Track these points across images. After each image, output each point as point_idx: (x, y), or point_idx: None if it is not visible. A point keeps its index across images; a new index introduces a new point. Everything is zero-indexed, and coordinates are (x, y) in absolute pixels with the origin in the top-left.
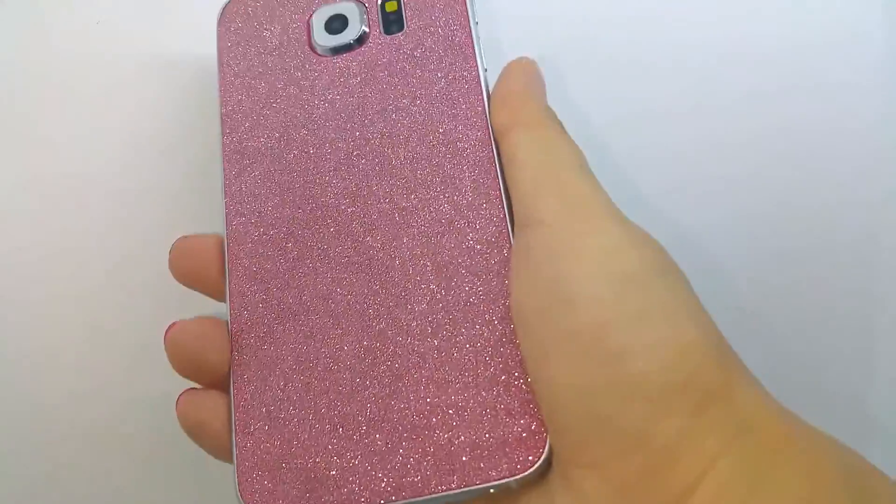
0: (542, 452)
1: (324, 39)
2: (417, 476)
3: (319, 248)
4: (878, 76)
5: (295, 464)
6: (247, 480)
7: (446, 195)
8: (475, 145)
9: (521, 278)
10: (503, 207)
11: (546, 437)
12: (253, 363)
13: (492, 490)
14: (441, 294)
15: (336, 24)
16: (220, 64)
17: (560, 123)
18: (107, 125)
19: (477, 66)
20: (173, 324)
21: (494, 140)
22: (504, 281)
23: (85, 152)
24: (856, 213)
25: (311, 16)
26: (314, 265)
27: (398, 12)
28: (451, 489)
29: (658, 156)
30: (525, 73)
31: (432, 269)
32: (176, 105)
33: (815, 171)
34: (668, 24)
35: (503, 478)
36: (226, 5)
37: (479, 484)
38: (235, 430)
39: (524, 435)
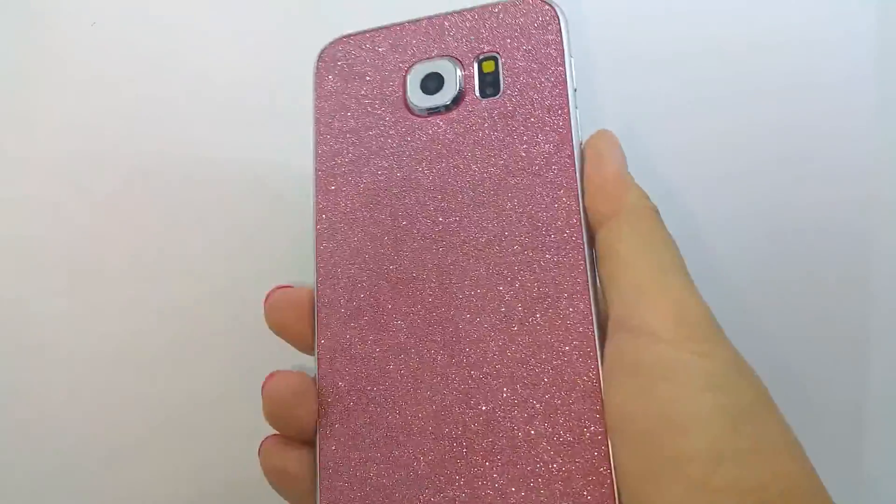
0: None
1: (419, 99)
2: None
3: (404, 321)
4: (873, 75)
5: None
6: None
7: (533, 281)
8: (567, 231)
9: (626, 390)
10: (590, 302)
11: None
12: (339, 427)
13: None
14: (524, 391)
15: (431, 83)
16: (316, 112)
17: (656, 210)
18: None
19: (572, 141)
20: (272, 375)
21: (585, 223)
22: (593, 382)
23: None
24: (852, 212)
25: (407, 72)
26: (398, 337)
27: (495, 73)
28: None
29: (656, 155)
30: (614, 152)
31: (515, 361)
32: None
33: (811, 170)
34: (666, 23)
35: None
36: (325, 48)
37: None
38: (320, 487)
39: None
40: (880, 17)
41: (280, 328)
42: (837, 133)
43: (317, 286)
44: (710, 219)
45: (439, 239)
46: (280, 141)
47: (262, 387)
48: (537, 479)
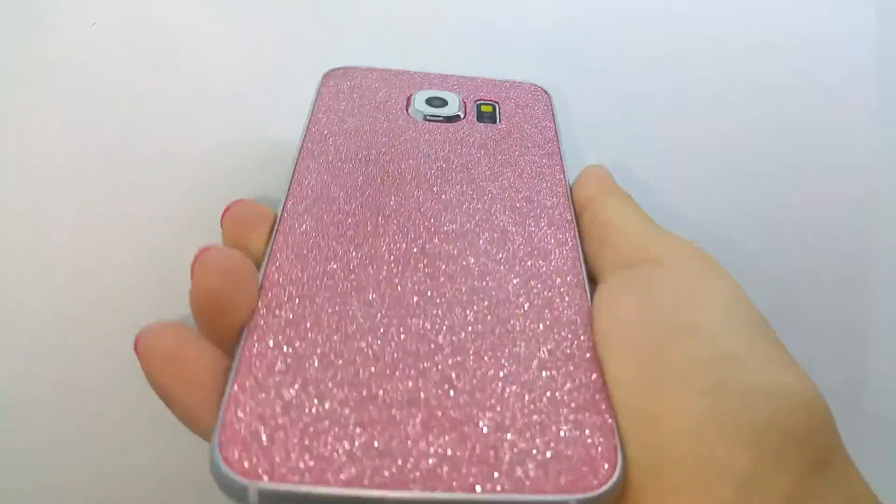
0: (613, 475)
1: (422, 107)
2: (453, 470)
3: (380, 243)
4: (872, 74)
5: (308, 423)
6: (234, 425)
7: (522, 240)
8: (555, 203)
9: (627, 306)
10: (578, 252)
11: (619, 462)
12: (279, 314)
13: None
14: (511, 290)
15: (436, 101)
16: (314, 105)
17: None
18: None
19: (561, 162)
20: (206, 248)
21: (573, 204)
22: (583, 300)
23: (80, 153)
24: (851, 211)
25: (413, 94)
26: (373, 257)
27: (493, 113)
28: (494, 492)
29: (655, 154)
30: (604, 169)
31: (502, 265)
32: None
33: (811, 169)
34: (665, 22)
35: (558, 492)
36: (332, 69)
37: (528, 493)
38: (238, 368)
39: (594, 455)
40: (879, 17)
41: (238, 237)
42: (836, 132)
43: (285, 201)
44: (708, 218)
45: (428, 209)
46: (283, 141)
47: (196, 259)
48: (522, 390)
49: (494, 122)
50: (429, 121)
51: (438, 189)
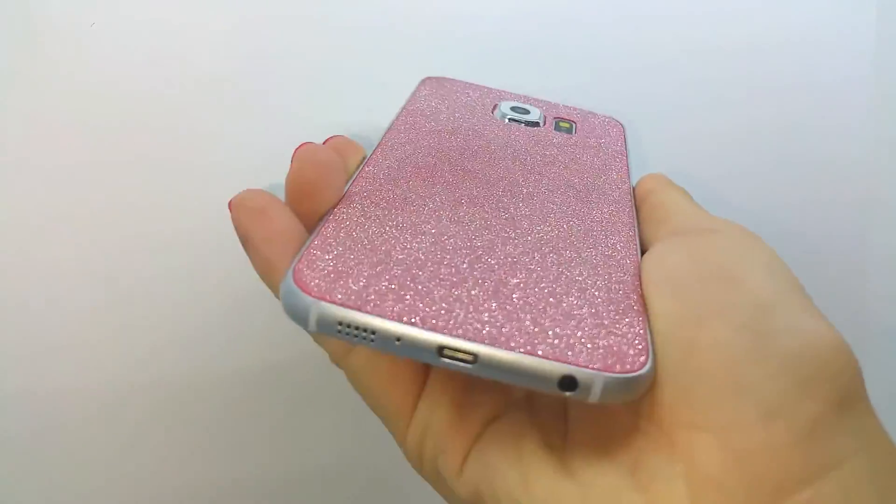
0: (644, 366)
1: (506, 111)
2: (498, 331)
3: (458, 191)
4: (872, 74)
5: (377, 268)
6: (314, 253)
7: (584, 205)
8: (619, 191)
9: (676, 255)
10: (634, 225)
11: (648, 357)
12: (367, 199)
13: (565, 385)
14: (570, 238)
15: (520, 109)
16: (408, 101)
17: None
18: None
19: (627, 163)
20: (305, 143)
21: (634, 196)
22: (634, 255)
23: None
24: (850, 211)
25: (498, 102)
26: (451, 196)
27: (570, 129)
28: (513, 349)
29: (655, 153)
30: (664, 175)
31: (561, 229)
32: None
33: (810, 168)
34: (664, 23)
35: (588, 367)
36: (426, 77)
37: (548, 357)
38: (326, 220)
39: (626, 347)
40: (879, 17)
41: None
42: (836, 132)
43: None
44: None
45: (505, 182)
46: (287, 140)
47: (296, 150)
48: (572, 284)
49: (571, 133)
50: (511, 122)
51: (514, 170)
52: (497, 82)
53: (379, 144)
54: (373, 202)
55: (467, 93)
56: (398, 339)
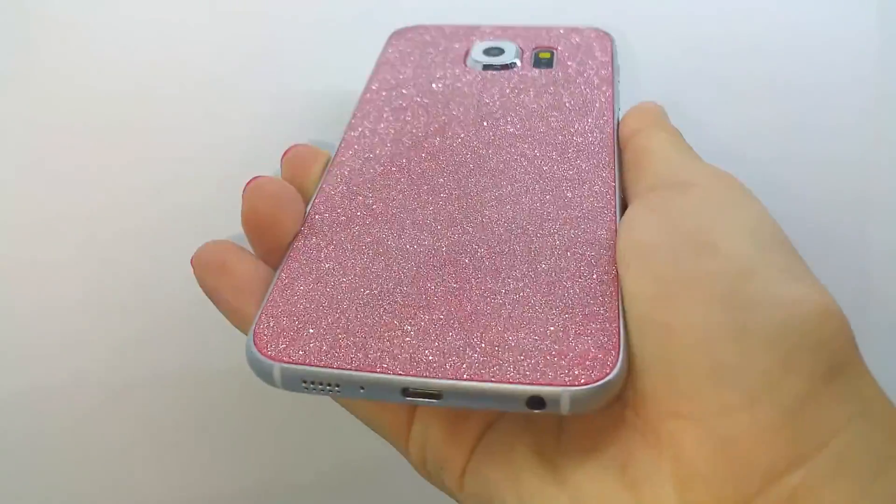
0: (612, 369)
1: (479, 57)
2: (458, 361)
3: (424, 179)
4: (872, 74)
5: (330, 319)
6: (269, 317)
7: (560, 162)
8: (599, 138)
9: (649, 225)
10: (614, 176)
11: (618, 359)
12: (321, 232)
13: (534, 404)
14: (541, 212)
15: (493, 51)
16: (378, 61)
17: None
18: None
19: (613, 95)
20: (257, 177)
21: (618, 141)
22: (611, 222)
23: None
24: (850, 210)
25: (472, 44)
26: (416, 190)
27: (550, 59)
28: (475, 380)
29: None
30: (655, 106)
31: (536, 192)
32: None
33: (808, 168)
34: (664, 23)
35: (548, 384)
36: (398, 29)
37: (510, 382)
38: (278, 279)
39: (594, 353)
40: (880, 15)
41: (295, 177)
42: (836, 131)
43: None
44: None
45: (472, 148)
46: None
47: (246, 186)
48: (534, 290)
49: (550, 67)
50: (485, 70)
51: (484, 130)
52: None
53: (339, 145)
54: (326, 237)
55: (438, 42)
56: (362, 388)
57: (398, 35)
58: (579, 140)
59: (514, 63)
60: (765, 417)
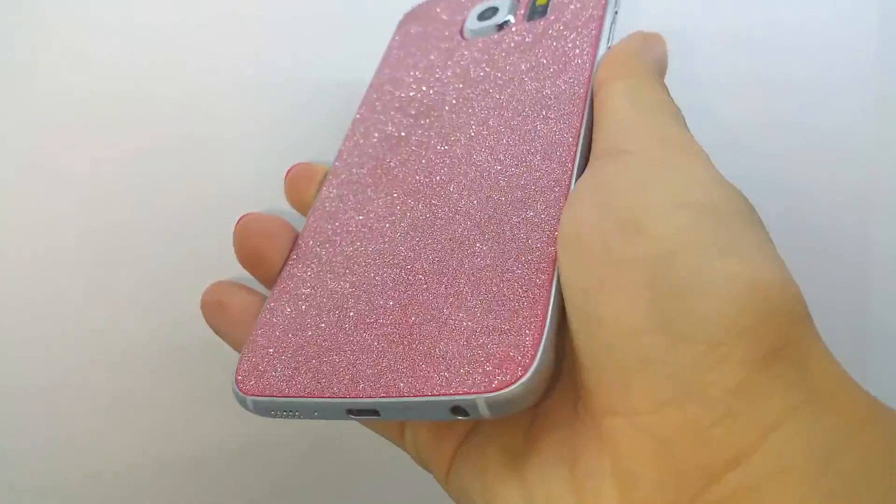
0: (525, 372)
1: (471, 24)
2: (390, 378)
3: (398, 185)
4: (873, 73)
5: (295, 349)
6: (247, 357)
7: (523, 130)
8: (570, 97)
9: (588, 203)
10: (576, 145)
11: (534, 359)
12: (301, 260)
13: (457, 412)
14: (487, 206)
15: (488, 13)
16: (387, 49)
17: (662, 82)
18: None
19: (599, 39)
20: (246, 214)
21: (591, 94)
22: (557, 208)
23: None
24: (851, 208)
25: (471, 9)
26: (386, 188)
27: (545, 6)
28: (403, 395)
29: None
30: (644, 41)
31: (497, 175)
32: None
33: (808, 167)
34: (664, 19)
35: (465, 393)
36: (414, 7)
37: (431, 394)
38: (262, 314)
39: (510, 353)
40: (881, 14)
41: (296, 201)
42: (837, 129)
43: (336, 160)
44: None
45: (453, 115)
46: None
47: (236, 225)
48: (462, 294)
49: (545, 15)
50: (477, 36)
51: (465, 113)
52: None
53: (335, 158)
54: (303, 265)
55: (441, 17)
56: (316, 411)
57: (408, 16)
58: (551, 104)
59: (507, 21)
60: (697, 414)
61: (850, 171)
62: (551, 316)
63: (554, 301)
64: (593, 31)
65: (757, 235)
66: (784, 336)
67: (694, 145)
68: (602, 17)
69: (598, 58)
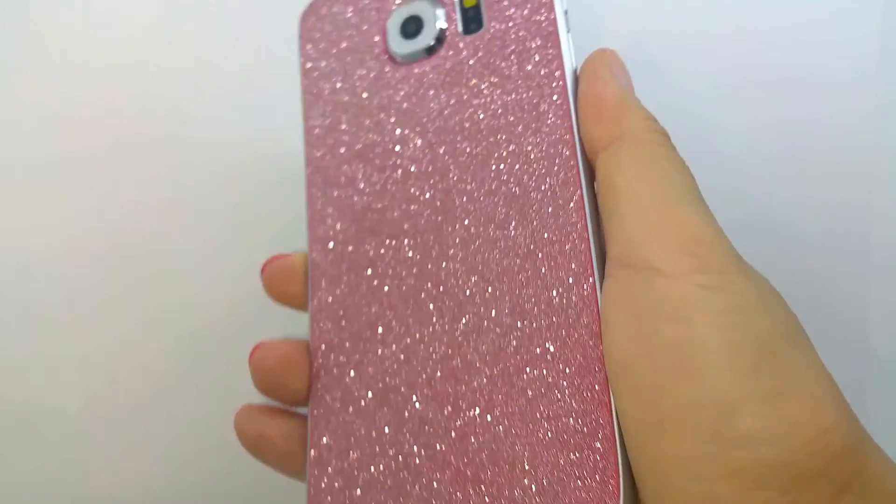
0: None
1: (398, 46)
2: None
3: (394, 277)
4: (875, 74)
5: (356, 492)
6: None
7: (527, 223)
8: (559, 166)
9: (627, 333)
10: (588, 241)
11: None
12: (330, 393)
13: None
14: (519, 339)
15: (411, 27)
16: (302, 70)
17: (664, 133)
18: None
19: (563, 65)
20: (258, 345)
21: (582, 154)
22: (592, 327)
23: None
24: (851, 210)
25: (387, 19)
26: (390, 297)
27: (477, 6)
28: None
29: None
30: (613, 71)
31: (509, 308)
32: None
33: (808, 168)
34: (664, 16)
35: None
36: (306, 10)
37: None
38: (310, 461)
39: (592, 495)
40: (883, 16)
41: (279, 295)
42: (837, 130)
43: (308, 247)
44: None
45: (427, 190)
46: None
47: (249, 358)
48: (532, 430)
49: (480, 25)
50: (413, 61)
51: (436, 192)
52: None
53: (307, 241)
54: (333, 397)
55: (349, 28)
56: None
57: (308, 26)
58: (537, 158)
59: (439, 39)
60: None
61: (850, 173)
62: (622, 459)
63: (619, 442)
64: (551, 50)
65: (809, 360)
66: (848, 470)
67: (723, 247)
68: (555, 25)
69: (570, 90)
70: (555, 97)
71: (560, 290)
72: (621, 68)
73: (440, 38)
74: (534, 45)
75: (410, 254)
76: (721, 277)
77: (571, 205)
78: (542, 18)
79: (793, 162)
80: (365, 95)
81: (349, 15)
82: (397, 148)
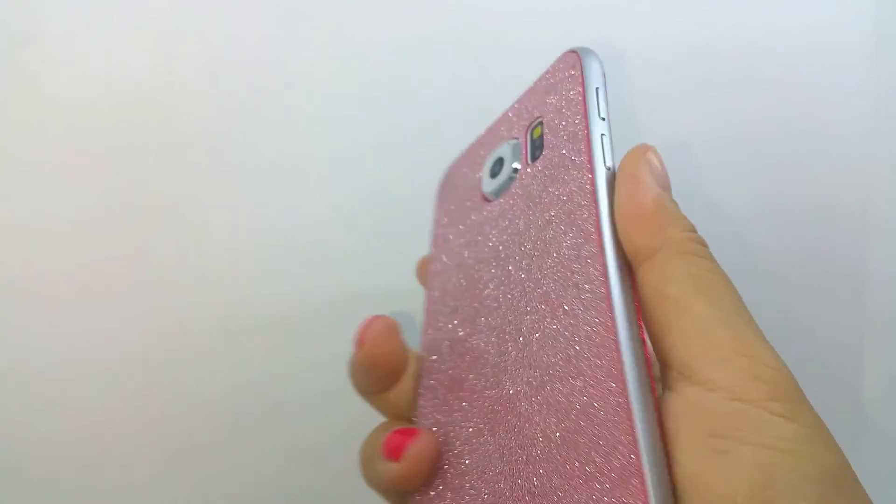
0: None
1: (486, 185)
2: None
3: (467, 396)
4: (872, 80)
5: None
6: None
7: (567, 345)
8: (590, 282)
9: (701, 452)
10: (623, 380)
11: None
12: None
13: None
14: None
15: (497, 167)
16: (434, 219)
17: (705, 244)
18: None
19: (594, 171)
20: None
21: (617, 261)
22: (655, 448)
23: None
24: (851, 213)
25: (482, 165)
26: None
27: (541, 137)
28: None
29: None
30: (652, 173)
31: (561, 443)
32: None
33: (807, 172)
34: (665, 24)
35: None
36: (447, 170)
37: None
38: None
39: None
40: (878, 21)
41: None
42: (836, 136)
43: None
44: (705, 219)
45: (492, 316)
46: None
47: (361, 331)
48: None
49: (542, 148)
50: (497, 197)
51: (509, 312)
52: None
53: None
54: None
55: (463, 173)
56: None
57: (444, 181)
58: (571, 287)
59: (513, 174)
60: None
61: (849, 179)
62: None
63: None
64: (583, 157)
65: (865, 498)
66: None
67: (785, 367)
68: (587, 130)
69: (600, 194)
70: (584, 210)
71: (607, 430)
72: (660, 167)
73: (516, 171)
74: (569, 155)
75: (476, 380)
76: (794, 407)
77: (603, 325)
78: (576, 128)
79: (791, 169)
80: (465, 236)
81: (468, 166)
82: (479, 287)
